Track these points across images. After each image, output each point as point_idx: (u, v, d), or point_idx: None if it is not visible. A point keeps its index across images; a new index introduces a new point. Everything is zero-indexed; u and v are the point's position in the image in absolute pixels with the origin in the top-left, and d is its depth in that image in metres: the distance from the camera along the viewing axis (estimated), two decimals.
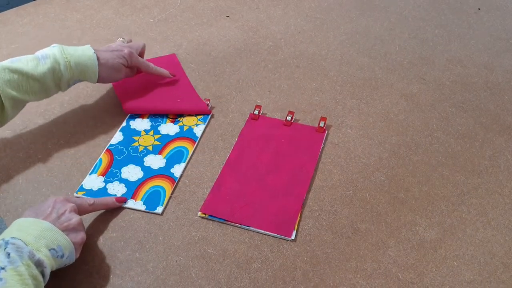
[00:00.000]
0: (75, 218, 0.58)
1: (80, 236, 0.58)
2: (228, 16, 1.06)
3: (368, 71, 0.91)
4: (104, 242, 0.63)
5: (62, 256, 0.55)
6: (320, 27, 1.03)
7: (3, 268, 0.48)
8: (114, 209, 0.67)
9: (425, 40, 0.98)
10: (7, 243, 0.50)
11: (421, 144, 0.76)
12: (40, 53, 0.70)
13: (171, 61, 0.93)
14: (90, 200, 0.63)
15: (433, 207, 0.67)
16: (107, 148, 0.76)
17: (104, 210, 0.67)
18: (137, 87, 0.85)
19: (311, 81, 0.88)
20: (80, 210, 0.61)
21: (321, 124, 0.77)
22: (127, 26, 1.03)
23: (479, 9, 1.08)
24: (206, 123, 0.80)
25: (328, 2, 1.10)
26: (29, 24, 1.04)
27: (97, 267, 0.60)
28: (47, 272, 0.52)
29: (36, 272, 0.50)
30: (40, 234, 0.54)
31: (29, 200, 0.68)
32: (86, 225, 0.65)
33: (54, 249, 0.54)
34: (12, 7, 1.09)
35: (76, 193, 0.69)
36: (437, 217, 0.66)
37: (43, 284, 0.51)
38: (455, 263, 0.60)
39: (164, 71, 0.85)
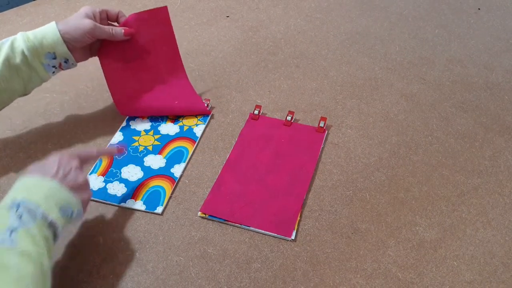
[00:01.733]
0: (81, 177, 0.58)
1: (87, 194, 0.59)
2: (228, 16, 1.06)
3: (368, 71, 0.91)
4: (104, 242, 0.63)
5: (71, 215, 0.55)
6: (320, 27, 1.03)
7: (15, 230, 0.47)
8: (114, 209, 0.67)
9: (425, 40, 0.98)
10: (18, 205, 0.50)
11: (421, 144, 0.76)
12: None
13: (160, 16, 0.80)
14: (93, 151, 0.64)
15: (433, 207, 0.67)
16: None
17: (105, 210, 0.67)
18: (132, 88, 0.80)
19: (311, 81, 0.88)
20: (84, 162, 0.62)
21: (321, 124, 0.77)
22: None
23: (479, 9, 1.08)
24: (206, 123, 0.80)
25: (328, 2, 1.10)
26: (29, 24, 1.04)
27: (97, 267, 0.60)
28: (59, 231, 0.53)
29: (48, 233, 0.51)
30: (48, 193, 0.53)
31: None
32: (86, 225, 0.65)
33: (63, 208, 0.54)
34: (12, 7, 1.09)
35: None
36: (437, 217, 0.66)
37: (53, 244, 0.52)
38: (455, 263, 0.60)
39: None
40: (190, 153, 0.75)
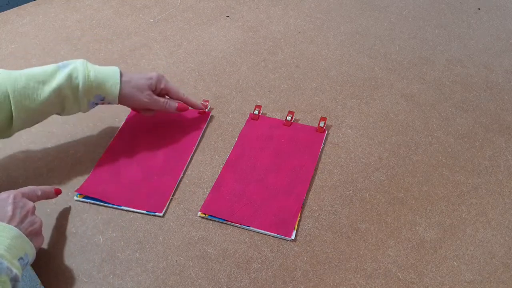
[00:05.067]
0: (38, 222, 0.57)
1: (41, 239, 0.58)
2: (228, 16, 1.06)
3: (368, 71, 0.91)
4: (104, 242, 0.63)
5: (26, 264, 0.53)
6: (320, 27, 1.03)
7: None
8: (114, 210, 0.67)
9: (425, 40, 0.98)
10: None
11: (421, 144, 0.76)
12: (62, 62, 0.67)
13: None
14: (38, 191, 0.61)
15: (433, 207, 0.67)
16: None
17: (105, 210, 0.67)
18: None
19: (311, 81, 0.88)
20: (31, 200, 0.59)
21: (321, 124, 0.77)
22: (127, 26, 1.03)
23: (479, 9, 1.08)
24: (206, 123, 0.80)
25: (328, 2, 1.10)
26: (29, 24, 1.04)
27: (97, 267, 0.60)
28: (19, 285, 0.50)
29: (9, 286, 0.48)
30: (10, 243, 0.51)
31: None
32: (86, 224, 0.65)
33: (22, 258, 0.52)
34: (12, 7, 1.09)
35: (77, 196, 0.68)
36: (437, 217, 0.66)
37: None
38: (455, 263, 0.60)
39: (196, 103, 0.77)
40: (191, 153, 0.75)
